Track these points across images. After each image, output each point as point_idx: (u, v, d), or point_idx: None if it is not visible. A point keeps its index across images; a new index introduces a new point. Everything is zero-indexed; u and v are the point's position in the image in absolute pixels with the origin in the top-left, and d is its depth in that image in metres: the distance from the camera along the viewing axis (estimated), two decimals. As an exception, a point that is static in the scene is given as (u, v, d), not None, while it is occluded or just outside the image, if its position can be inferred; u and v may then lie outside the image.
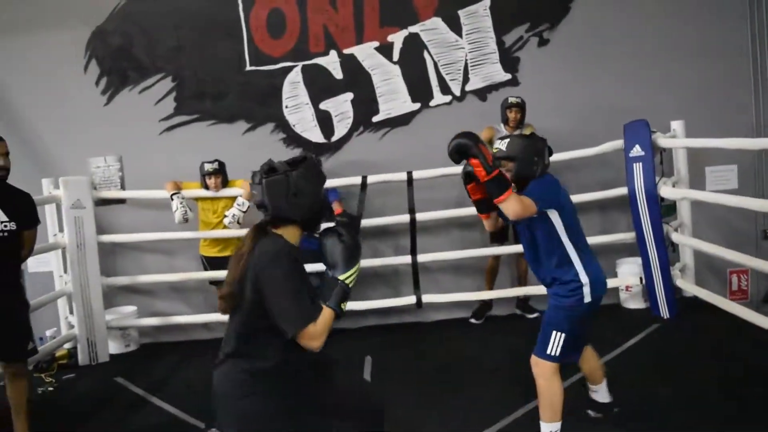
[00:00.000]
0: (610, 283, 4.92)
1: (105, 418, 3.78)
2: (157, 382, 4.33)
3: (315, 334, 1.93)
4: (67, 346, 4.95)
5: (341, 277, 1.98)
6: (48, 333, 5.07)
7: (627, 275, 5.07)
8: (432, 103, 5.40)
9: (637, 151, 4.64)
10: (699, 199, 4.65)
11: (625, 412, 3.07)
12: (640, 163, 4.62)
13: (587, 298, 2.73)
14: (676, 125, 4.80)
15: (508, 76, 5.39)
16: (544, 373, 2.77)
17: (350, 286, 2.00)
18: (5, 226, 3.23)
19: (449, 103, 5.40)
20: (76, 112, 5.33)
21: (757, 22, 5.37)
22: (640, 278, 4.87)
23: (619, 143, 4.75)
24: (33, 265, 4.99)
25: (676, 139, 4.77)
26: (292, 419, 2.02)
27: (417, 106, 5.40)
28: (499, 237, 5.00)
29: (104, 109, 5.39)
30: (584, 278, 2.73)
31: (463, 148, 2.50)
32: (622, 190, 4.77)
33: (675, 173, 4.84)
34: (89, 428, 3.67)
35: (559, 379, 2.78)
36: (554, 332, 2.74)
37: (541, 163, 2.75)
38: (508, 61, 5.39)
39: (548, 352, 2.75)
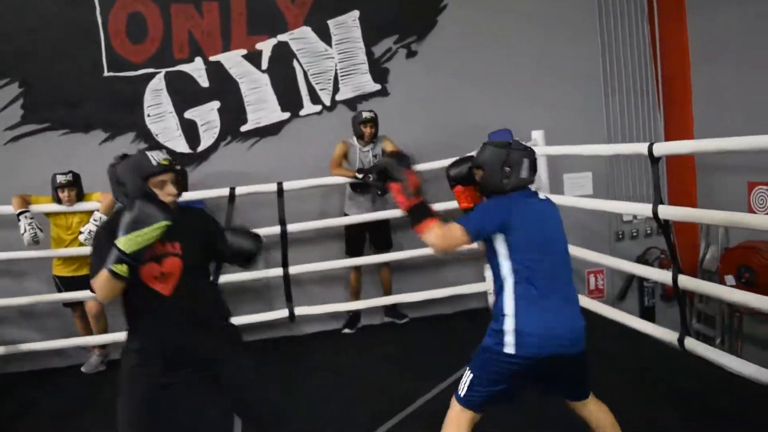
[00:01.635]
0: (479, 287, 5.18)
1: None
2: (4, 419, 3.90)
3: (94, 287, 2.29)
4: None
5: (117, 242, 2.18)
6: None
7: (494, 279, 5.24)
8: (302, 113, 5.33)
9: (500, 159, 4.83)
10: (558, 203, 4.90)
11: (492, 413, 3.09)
12: (504, 171, 4.81)
13: (508, 349, 2.23)
14: (537, 135, 5.03)
15: (378, 87, 5.43)
16: (449, 413, 2.39)
17: (127, 251, 2.16)
18: None
19: (319, 113, 5.35)
20: None
21: (606, 40, 5.81)
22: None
23: (484, 152, 4.92)
24: None
25: (536, 147, 4.99)
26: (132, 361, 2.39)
27: (287, 115, 5.31)
28: (355, 250, 5.07)
29: (-63, 118, 4.86)
30: (507, 324, 2.25)
31: (388, 169, 2.37)
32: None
33: (536, 180, 5.06)
34: None
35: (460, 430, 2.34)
36: (467, 370, 2.37)
37: (514, 176, 2.43)
38: (378, 72, 5.43)
39: (458, 390, 2.38)
